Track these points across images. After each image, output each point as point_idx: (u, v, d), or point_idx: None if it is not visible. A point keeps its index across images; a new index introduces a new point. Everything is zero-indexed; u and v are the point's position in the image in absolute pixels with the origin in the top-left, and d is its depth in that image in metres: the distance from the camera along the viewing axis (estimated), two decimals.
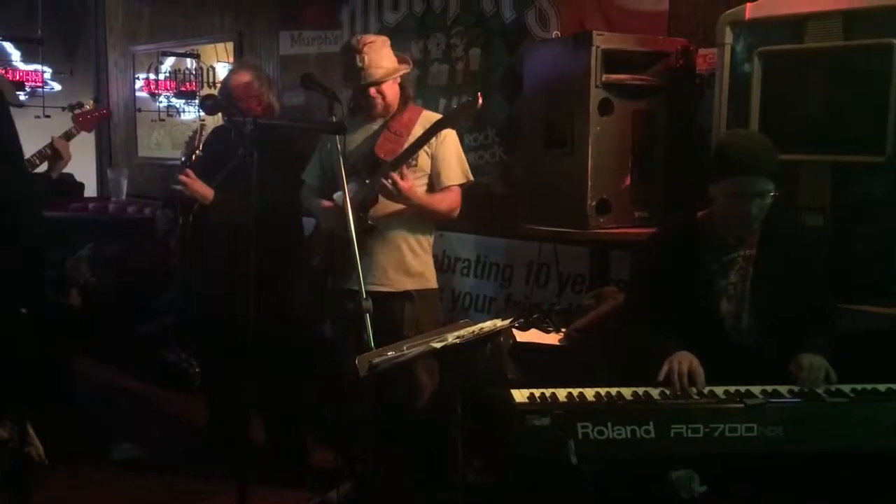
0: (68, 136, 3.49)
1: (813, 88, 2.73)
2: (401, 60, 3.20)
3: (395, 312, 3.14)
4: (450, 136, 3.16)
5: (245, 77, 3.55)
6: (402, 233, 3.17)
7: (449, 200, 3.17)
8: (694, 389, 2.27)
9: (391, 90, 3.15)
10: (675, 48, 3.27)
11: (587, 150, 3.09)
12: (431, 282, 3.26)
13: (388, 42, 3.18)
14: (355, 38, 3.13)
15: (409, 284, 3.17)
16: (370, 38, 3.13)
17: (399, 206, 3.08)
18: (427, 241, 3.25)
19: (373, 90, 3.10)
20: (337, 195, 3.08)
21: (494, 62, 4.18)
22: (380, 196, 3.05)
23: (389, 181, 2.96)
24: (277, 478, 3.46)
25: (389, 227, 3.14)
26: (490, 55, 4.20)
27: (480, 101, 2.92)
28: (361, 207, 3.06)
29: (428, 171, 3.15)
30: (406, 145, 3.09)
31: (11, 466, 3.20)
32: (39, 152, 3.35)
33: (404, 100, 3.21)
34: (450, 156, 3.16)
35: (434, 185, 3.16)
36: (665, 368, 2.29)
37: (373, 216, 3.09)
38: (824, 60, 2.69)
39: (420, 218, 3.18)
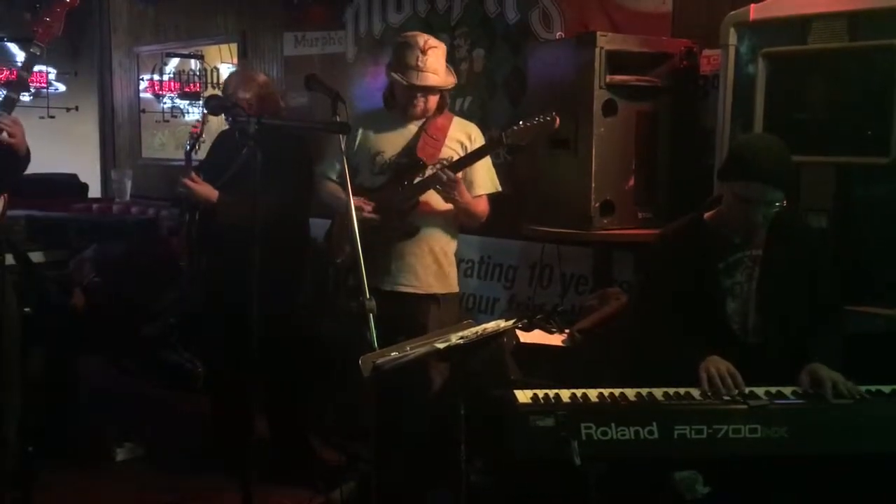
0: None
1: (817, 90, 2.73)
2: (449, 72, 3.18)
3: (421, 315, 3.15)
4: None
5: (236, 80, 3.54)
6: (436, 236, 3.18)
7: (483, 207, 3.18)
8: (737, 391, 2.24)
9: (434, 98, 3.14)
10: (679, 49, 3.28)
11: (591, 151, 3.09)
12: (455, 286, 3.28)
13: (446, 51, 3.17)
14: (421, 37, 3.10)
15: (436, 287, 3.19)
16: (435, 42, 3.11)
17: (443, 208, 3.09)
18: (454, 245, 3.27)
19: (420, 94, 3.10)
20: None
21: (498, 63, 4.18)
22: (420, 199, 3.07)
23: (453, 183, 2.96)
24: (281, 477, 3.46)
25: (425, 230, 3.15)
26: (494, 56, 4.20)
27: (558, 121, 2.87)
28: (401, 209, 3.07)
29: (460, 176, 3.14)
30: (443, 148, 3.11)
31: (15, 466, 3.21)
32: None
33: (441, 105, 3.18)
34: (482, 165, 3.16)
35: None
36: (704, 376, 2.27)
37: (415, 218, 3.10)
38: (829, 62, 2.70)
39: (453, 222, 3.20)
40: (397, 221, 3.10)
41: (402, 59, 3.08)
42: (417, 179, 3.08)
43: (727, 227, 2.47)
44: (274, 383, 3.50)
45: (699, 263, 2.48)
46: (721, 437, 2.15)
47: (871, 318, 2.59)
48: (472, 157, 3.05)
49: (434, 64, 3.07)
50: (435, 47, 3.09)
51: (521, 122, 2.93)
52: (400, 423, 3.22)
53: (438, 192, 3.03)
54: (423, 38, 3.10)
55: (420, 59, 3.05)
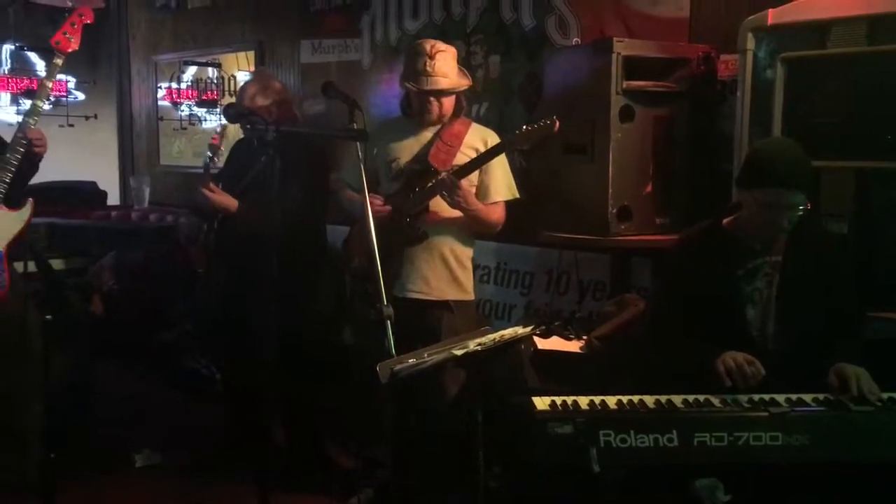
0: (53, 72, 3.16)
1: (836, 94, 2.71)
2: (462, 75, 3.18)
3: (434, 321, 3.14)
4: None
5: (252, 89, 3.56)
6: (448, 243, 3.18)
7: (497, 214, 3.18)
8: (758, 397, 2.23)
9: (448, 102, 3.14)
10: (697, 54, 3.27)
11: (608, 156, 3.08)
12: (469, 293, 3.27)
13: (456, 54, 3.17)
14: (428, 42, 3.12)
15: (449, 294, 3.18)
16: (443, 46, 3.11)
17: (452, 215, 3.09)
18: (469, 252, 3.26)
19: (433, 98, 3.11)
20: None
21: (514, 69, 4.18)
22: (430, 205, 3.08)
23: (455, 188, 2.96)
24: (298, 484, 3.47)
25: (437, 237, 3.15)
26: (510, 62, 4.20)
27: (558, 124, 2.87)
28: (411, 216, 3.08)
29: (476, 182, 3.14)
30: (458, 154, 3.11)
31: (36, 472, 3.24)
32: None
33: (457, 110, 3.19)
34: (498, 171, 3.16)
35: (480, 197, 3.15)
36: (722, 370, 2.27)
37: (424, 224, 3.11)
38: (848, 66, 2.68)
39: (466, 228, 3.19)
40: (406, 227, 3.11)
41: (412, 67, 3.10)
42: (429, 185, 3.09)
43: (747, 233, 2.46)
44: (291, 390, 3.51)
45: (718, 270, 2.47)
46: (742, 445, 2.14)
47: (891, 323, 2.57)
48: (476, 163, 3.04)
49: (443, 67, 3.08)
50: (443, 51, 3.09)
51: (524, 127, 2.94)
52: (417, 430, 3.22)
53: (444, 198, 3.03)
54: (430, 43, 3.11)
55: (428, 63, 3.06)
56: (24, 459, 3.30)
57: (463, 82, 3.16)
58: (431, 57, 3.07)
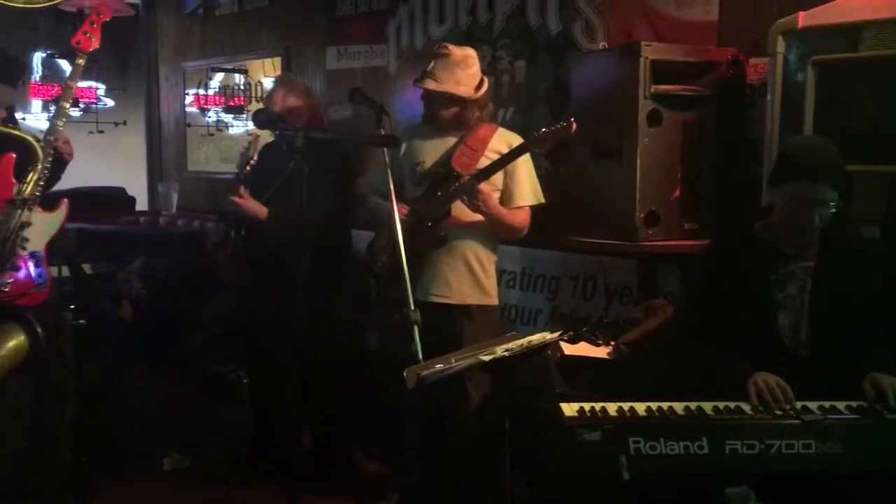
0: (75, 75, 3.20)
1: (868, 98, 2.68)
2: (479, 85, 3.12)
3: (455, 326, 3.13)
4: (524, 156, 3.12)
5: (278, 94, 3.57)
6: (470, 247, 3.17)
7: (520, 218, 3.17)
8: (788, 406, 2.20)
9: (447, 109, 3.12)
10: (726, 58, 3.24)
11: (636, 161, 3.06)
12: (493, 298, 3.25)
13: (469, 62, 3.11)
14: (442, 45, 3.16)
15: (471, 299, 3.17)
16: (449, 50, 3.10)
17: (474, 219, 3.09)
18: (492, 257, 3.25)
19: (426, 98, 3.13)
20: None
21: (540, 74, 4.17)
22: (451, 209, 3.08)
23: (473, 191, 2.96)
24: (324, 489, 3.48)
25: (459, 241, 3.15)
26: (536, 67, 4.19)
27: (574, 126, 2.86)
28: (433, 220, 3.08)
29: (500, 186, 3.14)
30: (482, 159, 3.10)
31: (68, 474, 3.27)
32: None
33: (481, 117, 3.19)
34: (523, 176, 3.15)
35: (504, 202, 3.14)
36: (752, 390, 2.24)
37: (445, 227, 3.11)
38: (880, 69, 2.64)
39: (489, 233, 3.18)
40: (428, 231, 3.11)
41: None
42: (451, 189, 3.08)
43: (779, 237, 2.44)
44: (316, 395, 3.53)
45: (750, 275, 2.44)
46: (774, 453, 2.11)
47: None
48: (496, 166, 3.03)
49: (436, 69, 3.07)
50: (444, 55, 3.09)
51: (542, 129, 2.94)
52: (442, 436, 3.21)
53: (464, 202, 3.03)
54: (441, 45, 3.15)
55: (428, 61, 3.11)
56: (57, 461, 3.34)
57: (459, 89, 3.07)
58: (435, 58, 3.10)
